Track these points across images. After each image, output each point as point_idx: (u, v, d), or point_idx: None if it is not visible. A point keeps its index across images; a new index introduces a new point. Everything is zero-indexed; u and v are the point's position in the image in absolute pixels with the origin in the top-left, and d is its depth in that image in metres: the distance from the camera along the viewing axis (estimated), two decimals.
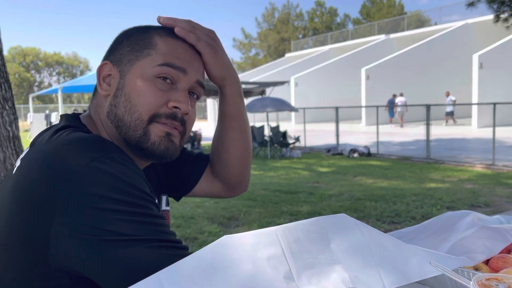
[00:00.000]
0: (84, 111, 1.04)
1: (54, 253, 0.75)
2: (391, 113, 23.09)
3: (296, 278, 0.69)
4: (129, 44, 0.94)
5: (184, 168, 1.18)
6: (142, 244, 0.73)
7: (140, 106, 0.89)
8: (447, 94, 21.66)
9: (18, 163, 0.88)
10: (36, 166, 0.80)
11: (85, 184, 0.74)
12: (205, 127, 24.27)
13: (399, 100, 22.30)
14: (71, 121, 0.93)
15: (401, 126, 22.08)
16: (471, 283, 0.71)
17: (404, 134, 18.45)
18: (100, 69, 0.95)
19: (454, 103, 19.76)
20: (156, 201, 0.86)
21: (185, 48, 0.95)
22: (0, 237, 0.82)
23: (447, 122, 21.85)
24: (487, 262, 0.99)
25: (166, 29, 0.96)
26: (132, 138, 0.90)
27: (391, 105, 22.10)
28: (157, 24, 0.99)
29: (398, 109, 22.09)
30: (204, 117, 31.84)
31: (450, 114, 21.58)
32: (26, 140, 21.32)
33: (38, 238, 0.76)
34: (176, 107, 0.91)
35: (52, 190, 0.75)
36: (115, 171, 0.77)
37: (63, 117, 0.95)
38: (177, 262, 0.66)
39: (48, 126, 0.95)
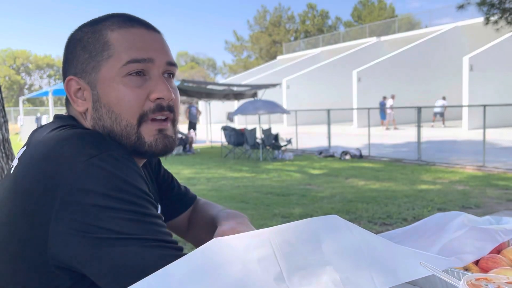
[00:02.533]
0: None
1: (52, 250, 0.75)
2: (383, 115, 23.15)
3: (287, 279, 0.69)
4: (84, 50, 0.90)
5: (166, 200, 1.18)
6: (137, 243, 0.73)
7: (125, 112, 0.88)
8: (443, 98, 21.92)
9: (15, 162, 0.88)
10: (35, 163, 0.80)
11: (83, 181, 0.74)
12: (197, 129, 24.21)
13: (389, 102, 22.42)
14: (67, 120, 0.93)
15: (394, 128, 22.19)
16: (461, 283, 0.72)
17: (396, 136, 18.52)
18: (67, 86, 0.92)
19: (444, 106, 19.96)
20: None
21: (143, 34, 0.91)
22: None
23: (433, 121, 22.04)
24: (477, 262, 1.00)
25: (115, 18, 0.92)
26: (128, 145, 0.89)
27: (382, 107, 22.18)
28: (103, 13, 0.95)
29: (388, 111, 22.18)
30: (198, 120, 31.77)
31: (440, 115, 21.77)
32: (17, 143, 21.13)
33: (37, 235, 0.76)
34: (159, 98, 0.89)
35: (50, 187, 0.75)
36: (114, 168, 0.77)
37: (58, 116, 0.94)
38: (167, 266, 0.66)
39: (40, 126, 0.94)
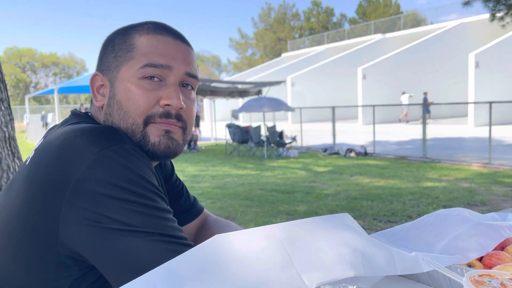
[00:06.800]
0: (86, 108, 1.05)
1: (62, 238, 0.77)
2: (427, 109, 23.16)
3: (297, 264, 0.68)
4: (113, 50, 0.94)
5: (173, 207, 1.14)
6: (144, 236, 0.74)
7: (132, 111, 0.90)
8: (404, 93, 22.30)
9: (31, 154, 0.90)
10: (49, 153, 0.82)
11: (94, 170, 0.76)
12: (202, 127, 24.24)
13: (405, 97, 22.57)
14: (81, 117, 0.96)
15: (406, 121, 22.53)
16: (464, 279, 0.72)
17: (401, 133, 18.47)
18: (92, 81, 0.96)
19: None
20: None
21: (167, 42, 0.93)
22: (10, 228, 0.83)
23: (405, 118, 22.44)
24: (480, 259, 1.00)
25: (147, 25, 0.95)
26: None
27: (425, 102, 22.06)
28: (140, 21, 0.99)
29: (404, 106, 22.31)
30: (201, 117, 31.78)
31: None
32: (22, 141, 21.20)
33: (48, 224, 0.77)
34: (167, 105, 0.90)
35: (63, 176, 0.77)
36: (125, 160, 0.78)
37: (74, 113, 0.97)
38: (169, 261, 0.66)
39: (45, 127, 0.96)
